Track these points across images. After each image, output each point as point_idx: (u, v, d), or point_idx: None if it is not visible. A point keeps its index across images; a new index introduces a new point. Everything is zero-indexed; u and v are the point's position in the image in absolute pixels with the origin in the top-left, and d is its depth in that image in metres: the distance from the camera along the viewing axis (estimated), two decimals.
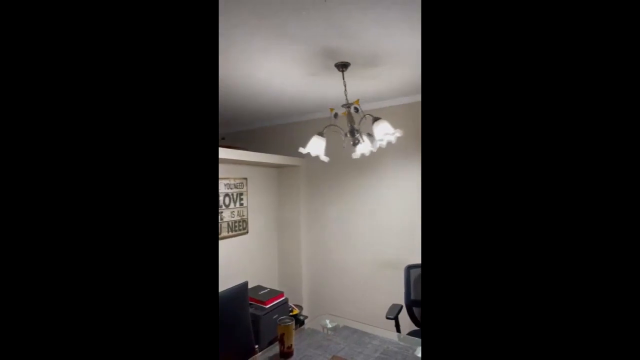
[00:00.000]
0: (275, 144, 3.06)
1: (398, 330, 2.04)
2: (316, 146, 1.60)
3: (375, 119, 1.53)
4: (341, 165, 2.75)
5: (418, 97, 2.41)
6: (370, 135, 1.58)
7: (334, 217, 2.87)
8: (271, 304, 2.37)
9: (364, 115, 1.60)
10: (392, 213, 2.57)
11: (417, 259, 2.36)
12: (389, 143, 1.58)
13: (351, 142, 1.61)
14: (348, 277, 2.81)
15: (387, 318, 1.92)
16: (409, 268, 2.22)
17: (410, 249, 2.49)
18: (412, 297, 2.20)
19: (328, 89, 2.14)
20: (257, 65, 1.77)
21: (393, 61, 1.75)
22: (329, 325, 1.86)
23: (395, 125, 2.52)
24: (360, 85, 2.12)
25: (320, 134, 1.62)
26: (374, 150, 1.66)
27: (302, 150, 1.58)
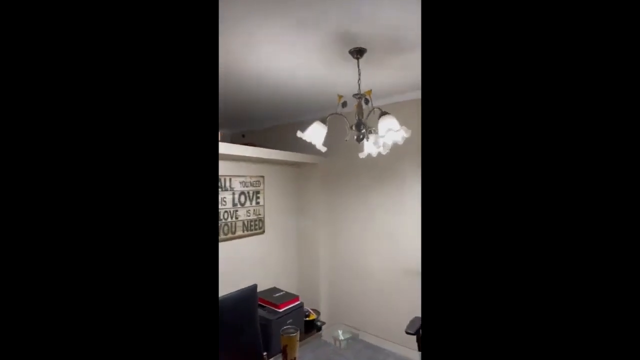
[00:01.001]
0: (293, 142, 2.95)
1: (420, 347, 1.83)
2: (315, 133, 1.45)
3: (383, 114, 1.34)
4: (361, 164, 2.57)
5: None
6: (376, 133, 1.40)
7: (353, 219, 2.70)
8: (285, 308, 2.26)
9: (373, 109, 1.43)
10: (414, 216, 2.35)
11: None
12: (396, 144, 1.39)
13: (355, 137, 1.44)
14: (368, 282, 2.62)
15: (407, 333, 1.73)
16: None
17: None
18: None
19: (344, 80, 1.98)
20: (269, 59, 1.67)
21: (415, 48, 1.55)
22: (341, 337, 1.71)
23: (414, 121, 2.34)
24: (379, 76, 1.94)
25: (323, 121, 1.46)
26: (381, 150, 1.47)
27: (299, 134, 1.43)
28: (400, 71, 1.88)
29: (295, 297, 2.38)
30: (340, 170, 2.76)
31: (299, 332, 1.39)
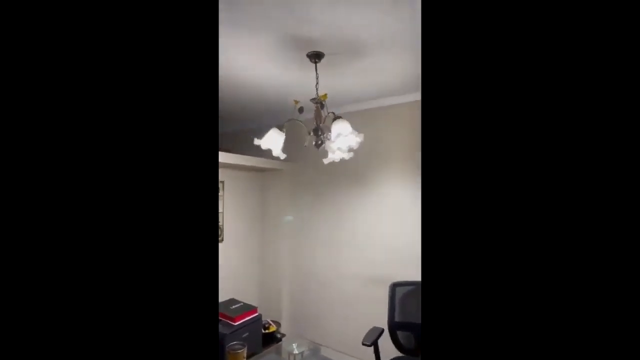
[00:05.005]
0: (257, 147, 2.86)
1: (378, 358, 1.79)
2: (272, 140, 1.40)
3: (336, 118, 1.32)
4: (328, 170, 2.53)
5: (412, 97, 2.18)
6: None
7: (318, 226, 2.64)
8: (241, 321, 2.14)
9: (328, 114, 1.39)
10: (381, 225, 2.34)
11: (404, 276, 2.12)
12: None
13: (313, 142, 1.40)
14: (331, 292, 2.56)
15: (364, 344, 1.68)
16: (395, 286, 1.98)
17: (397, 264, 2.24)
18: (397, 319, 1.95)
19: (304, 85, 1.94)
20: (225, 59, 1.60)
21: (378, 52, 1.54)
22: (296, 351, 1.63)
23: (388, 128, 2.36)
24: (342, 81, 1.93)
25: (280, 128, 1.41)
26: (344, 156, 1.44)
27: (256, 141, 1.37)
28: (364, 77, 1.88)
29: (253, 309, 2.27)
30: (306, 176, 2.70)
31: (245, 348, 1.30)
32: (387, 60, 1.64)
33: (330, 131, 1.33)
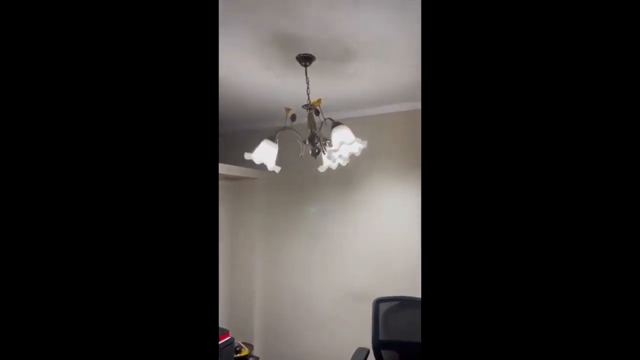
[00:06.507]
0: (233, 153, 2.65)
1: None
2: (265, 153, 1.25)
3: (335, 124, 1.21)
4: (305, 179, 2.40)
5: (408, 106, 2.11)
6: (331, 145, 1.27)
7: (294, 240, 2.49)
8: None
9: (325, 120, 1.28)
10: (363, 237, 2.26)
11: (389, 292, 2.05)
12: (354, 156, 1.26)
13: (310, 152, 1.28)
14: (308, 309, 2.42)
15: None
16: (378, 302, 1.90)
17: (382, 279, 2.17)
18: (381, 337, 1.87)
19: (292, 91, 1.82)
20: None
21: (373, 56, 1.47)
22: None
23: (379, 136, 2.29)
24: (336, 87, 1.82)
25: (272, 139, 1.27)
26: (340, 162, 1.34)
27: (247, 156, 1.22)
28: (363, 84, 1.79)
29: (224, 332, 2.05)
30: (281, 186, 2.54)
31: None
32: (379, 66, 1.57)
33: (327, 139, 1.22)
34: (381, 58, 1.48)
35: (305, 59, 1.42)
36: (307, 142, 1.28)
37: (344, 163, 1.37)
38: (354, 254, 2.28)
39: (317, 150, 1.27)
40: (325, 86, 1.79)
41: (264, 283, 2.59)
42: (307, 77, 1.42)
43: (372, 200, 2.25)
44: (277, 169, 1.33)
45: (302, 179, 2.41)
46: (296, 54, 1.40)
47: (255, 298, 2.57)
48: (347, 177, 2.30)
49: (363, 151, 2.28)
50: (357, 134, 1.23)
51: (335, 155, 1.16)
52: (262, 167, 2.49)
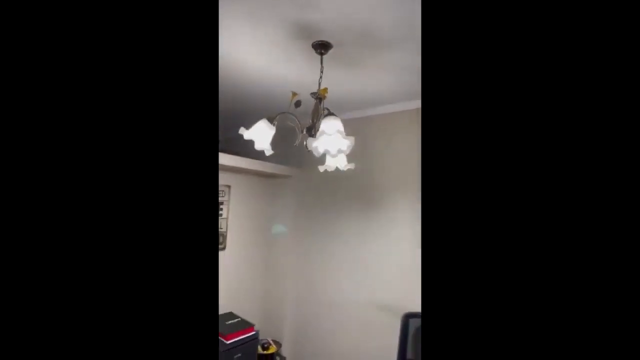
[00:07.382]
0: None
1: None
2: (260, 133, 1.19)
3: (329, 114, 1.09)
4: (340, 180, 2.30)
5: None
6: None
7: (328, 242, 2.39)
8: (233, 340, 1.95)
9: (323, 110, 1.18)
10: (397, 247, 2.06)
11: (419, 306, 1.82)
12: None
13: (304, 142, 1.18)
14: (338, 315, 2.30)
15: None
16: (408, 317, 1.69)
17: (413, 292, 1.95)
18: (409, 356, 1.66)
19: (311, 80, 1.75)
20: (229, 53, 1.46)
21: (391, 46, 1.32)
22: None
23: (398, 138, 2.09)
24: (353, 80, 1.71)
25: (270, 120, 1.21)
26: (340, 166, 1.23)
27: (241, 131, 1.18)
28: (382, 77, 1.65)
29: (249, 327, 2.07)
30: (316, 185, 2.48)
31: None
32: (401, 56, 1.41)
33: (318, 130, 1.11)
34: (403, 48, 1.32)
35: (321, 47, 1.34)
36: (304, 132, 1.19)
37: (342, 167, 1.25)
38: (386, 262, 2.10)
39: (305, 140, 1.17)
40: (345, 77, 1.68)
41: (296, 284, 2.55)
42: (321, 65, 1.34)
43: (404, 206, 2.04)
44: (269, 152, 1.26)
45: (333, 180, 2.30)
46: (312, 42, 1.34)
47: (287, 297, 2.56)
48: (380, 182, 2.13)
49: (387, 151, 2.08)
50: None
51: (314, 144, 1.03)
52: (296, 164, 2.48)
